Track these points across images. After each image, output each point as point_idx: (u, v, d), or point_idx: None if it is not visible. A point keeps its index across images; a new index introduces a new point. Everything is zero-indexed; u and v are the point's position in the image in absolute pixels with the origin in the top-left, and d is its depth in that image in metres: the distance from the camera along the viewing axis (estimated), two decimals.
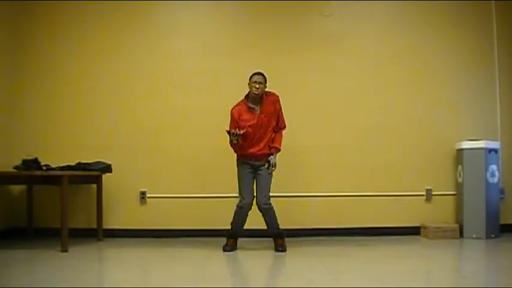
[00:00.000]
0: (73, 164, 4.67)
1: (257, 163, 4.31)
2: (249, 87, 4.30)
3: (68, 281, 3.22)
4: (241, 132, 4.11)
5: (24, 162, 4.33)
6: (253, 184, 4.32)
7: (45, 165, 4.45)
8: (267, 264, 3.95)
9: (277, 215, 4.32)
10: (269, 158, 4.30)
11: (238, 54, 5.14)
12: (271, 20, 5.24)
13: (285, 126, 4.46)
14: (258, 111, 4.28)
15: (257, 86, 4.25)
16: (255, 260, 4.05)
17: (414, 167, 5.19)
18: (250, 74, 4.29)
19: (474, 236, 4.88)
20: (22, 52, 5.15)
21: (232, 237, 4.40)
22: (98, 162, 4.79)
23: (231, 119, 4.30)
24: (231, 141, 4.15)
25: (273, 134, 4.38)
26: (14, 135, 5.06)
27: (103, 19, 5.20)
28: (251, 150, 4.28)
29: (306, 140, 5.13)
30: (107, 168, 4.82)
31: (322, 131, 5.17)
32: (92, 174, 4.71)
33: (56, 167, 4.54)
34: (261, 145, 4.30)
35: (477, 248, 4.48)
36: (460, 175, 5.09)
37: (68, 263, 3.78)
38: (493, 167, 4.96)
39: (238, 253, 4.27)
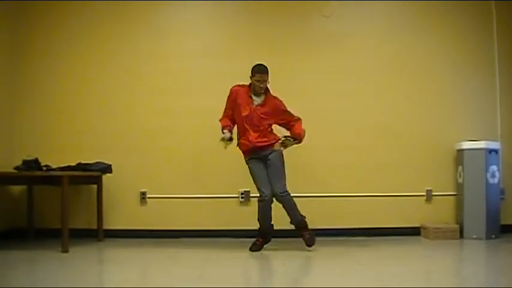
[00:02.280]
0: (73, 164, 4.68)
1: (263, 154, 4.29)
2: (252, 81, 4.29)
3: (68, 282, 3.23)
4: (222, 137, 4.18)
5: (25, 162, 4.33)
6: (267, 175, 4.29)
7: (46, 166, 4.45)
8: (267, 265, 3.95)
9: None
10: (287, 139, 4.27)
11: (238, 55, 5.14)
12: (271, 20, 5.24)
13: (299, 118, 4.42)
14: (255, 104, 4.28)
15: (261, 85, 4.25)
16: (255, 261, 4.05)
17: (414, 168, 5.19)
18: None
19: (474, 236, 4.87)
20: (22, 52, 5.15)
21: (263, 236, 4.33)
22: (98, 163, 4.80)
23: (228, 96, 4.33)
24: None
25: (270, 129, 4.34)
26: (14, 135, 5.07)
27: (102, 20, 5.20)
28: (252, 144, 4.25)
29: (306, 140, 5.12)
30: (107, 169, 4.82)
31: (322, 131, 5.15)
32: (92, 174, 4.71)
33: (56, 168, 4.54)
34: (258, 137, 4.26)
35: (477, 249, 4.48)
36: (460, 176, 5.09)
37: (68, 264, 3.79)
38: (494, 167, 4.96)
39: (238, 254, 4.27)
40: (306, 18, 5.26)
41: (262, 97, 4.32)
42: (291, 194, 4.24)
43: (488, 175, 4.92)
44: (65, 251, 4.19)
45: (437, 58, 5.29)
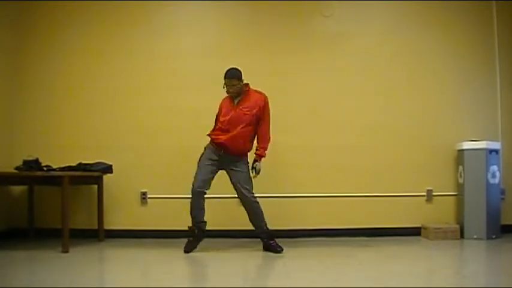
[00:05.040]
0: (74, 164, 4.67)
1: (225, 157, 4.28)
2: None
3: (68, 282, 3.23)
4: None
5: (25, 162, 4.33)
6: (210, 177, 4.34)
7: (46, 166, 4.45)
8: (267, 264, 3.95)
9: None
10: (254, 165, 4.29)
11: (239, 55, 5.13)
12: (272, 20, 5.24)
13: (269, 138, 4.35)
14: (236, 103, 4.29)
15: (230, 90, 4.28)
16: (255, 260, 4.06)
17: (415, 168, 5.18)
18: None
19: (475, 236, 4.87)
20: (22, 52, 5.16)
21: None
22: (99, 163, 4.80)
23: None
24: None
25: (250, 132, 4.29)
26: (14, 135, 5.07)
27: (103, 20, 5.21)
28: (222, 140, 4.24)
29: (306, 140, 5.13)
30: (108, 169, 4.82)
31: (322, 131, 5.16)
32: (92, 174, 4.71)
33: (57, 168, 4.54)
34: (232, 138, 4.22)
35: (478, 249, 4.48)
36: (460, 176, 5.09)
37: (68, 264, 3.79)
38: (494, 167, 4.95)
39: (238, 253, 4.27)
40: (306, 18, 5.26)
41: (242, 95, 4.32)
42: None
43: (489, 175, 4.91)
44: (66, 251, 4.19)
45: (438, 58, 5.28)
